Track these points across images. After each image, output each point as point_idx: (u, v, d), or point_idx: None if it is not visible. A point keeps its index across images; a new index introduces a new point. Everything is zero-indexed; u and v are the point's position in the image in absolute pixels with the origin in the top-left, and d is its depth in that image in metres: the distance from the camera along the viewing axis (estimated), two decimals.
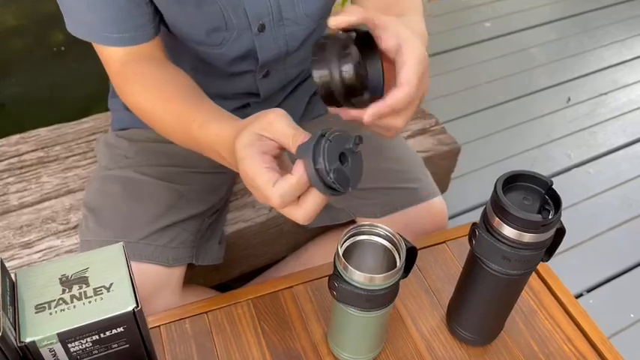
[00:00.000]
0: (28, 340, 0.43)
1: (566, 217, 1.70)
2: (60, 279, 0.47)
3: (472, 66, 2.15)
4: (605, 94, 2.05)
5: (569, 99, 2.02)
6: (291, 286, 0.72)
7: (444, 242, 0.78)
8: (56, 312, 0.45)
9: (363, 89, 0.52)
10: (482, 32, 2.34)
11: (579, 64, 2.20)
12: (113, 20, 0.65)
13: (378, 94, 0.53)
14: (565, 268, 1.43)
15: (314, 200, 0.50)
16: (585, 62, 2.21)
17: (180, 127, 0.63)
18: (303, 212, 0.50)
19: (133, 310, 0.46)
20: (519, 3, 2.53)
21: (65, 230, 0.93)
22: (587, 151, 1.81)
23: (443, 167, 1.21)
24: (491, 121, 1.91)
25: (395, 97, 0.50)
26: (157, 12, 0.69)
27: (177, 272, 0.81)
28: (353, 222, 0.91)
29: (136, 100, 0.69)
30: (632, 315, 1.36)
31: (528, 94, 2.04)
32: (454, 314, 0.66)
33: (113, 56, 0.69)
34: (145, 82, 0.68)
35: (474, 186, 1.64)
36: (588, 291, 1.42)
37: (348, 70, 0.48)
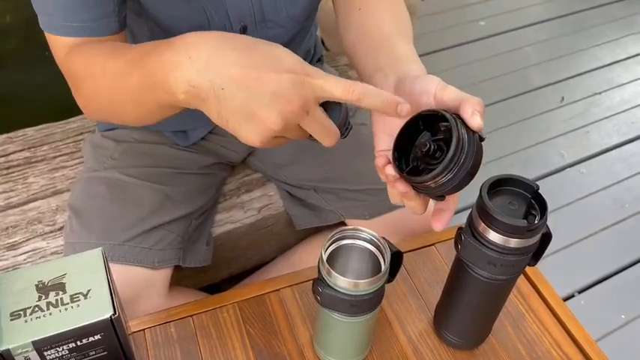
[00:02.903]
0: (2, 348, 0.43)
1: (559, 217, 1.70)
2: (36, 285, 0.46)
3: (466, 65, 2.15)
4: (599, 93, 2.05)
5: (562, 98, 2.02)
6: (278, 289, 0.71)
7: (433, 245, 0.77)
8: (32, 319, 0.44)
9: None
10: (476, 31, 2.34)
11: (573, 63, 2.20)
12: (74, 8, 0.61)
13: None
14: (557, 269, 1.44)
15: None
16: (579, 62, 2.21)
17: (133, 63, 0.55)
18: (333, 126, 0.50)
19: (111, 317, 0.45)
20: (514, 2, 2.53)
21: (51, 232, 0.93)
22: (581, 151, 1.81)
23: None
24: (485, 121, 1.89)
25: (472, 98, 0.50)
26: (123, 7, 0.65)
27: (164, 274, 0.80)
28: (342, 223, 0.90)
29: (86, 68, 0.61)
30: (623, 316, 1.36)
31: (522, 94, 2.04)
32: (441, 318, 0.66)
33: (64, 43, 0.63)
34: (91, 51, 0.61)
35: (466, 187, 1.63)
36: (580, 292, 1.42)
37: None
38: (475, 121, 0.48)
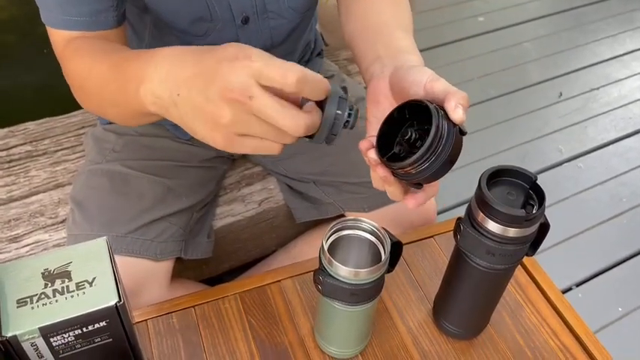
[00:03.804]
0: (9, 334, 0.43)
1: (557, 212, 1.72)
2: (42, 273, 0.47)
3: (465, 60, 2.16)
4: (597, 89, 2.06)
5: (560, 94, 2.03)
6: (279, 280, 0.72)
7: (432, 237, 0.78)
8: (38, 306, 0.45)
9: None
10: (475, 27, 2.34)
11: (571, 59, 2.21)
12: (73, 2, 0.61)
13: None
14: (554, 262, 1.45)
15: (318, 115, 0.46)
16: (577, 57, 2.21)
17: (115, 68, 0.55)
18: (309, 117, 0.45)
19: (116, 304, 0.45)
20: None
21: (53, 224, 0.93)
22: (578, 146, 1.82)
23: None
24: (483, 116, 1.91)
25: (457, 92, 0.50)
26: (122, 2, 0.65)
27: (165, 266, 0.81)
28: (342, 216, 0.91)
29: (76, 66, 0.62)
30: (620, 309, 1.37)
31: (520, 89, 2.04)
32: (440, 308, 0.67)
33: (62, 37, 0.64)
34: (82, 50, 0.62)
35: (465, 181, 1.63)
36: (577, 285, 1.43)
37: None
38: (457, 113, 0.48)
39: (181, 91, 0.45)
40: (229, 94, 0.43)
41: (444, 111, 0.49)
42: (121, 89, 0.53)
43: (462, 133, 0.50)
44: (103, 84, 0.57)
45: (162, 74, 0.47)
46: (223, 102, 0.43)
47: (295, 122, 0.44)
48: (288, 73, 0.43)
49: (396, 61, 0.56)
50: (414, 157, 0.48)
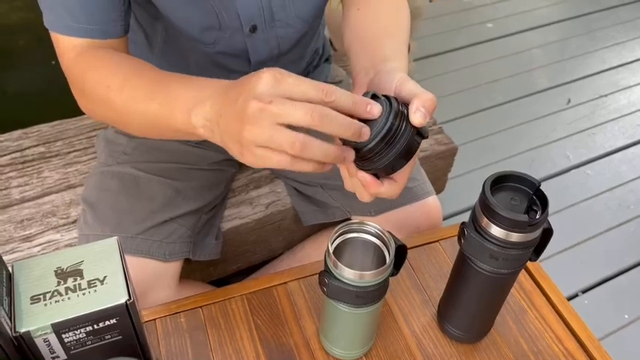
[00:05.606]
0: (23, 330, 0.44)
1: (565, 218, 1.72)
2: (55, 271, 0.48)
3: (473, 67, 2.16)
4: (606, 95, 2.06)
5: (569, 100, 2.03)
6: (285, 282, 0.73)
7: (437, 241, 0.78)
8: (51, 303, 0.46)
9: None
10: (484, 33, 2.35)
11: (580, 65, 2.20)
12: (83, 9, 0.62)
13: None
14: (561, 268, 1.45)
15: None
16: (586, 64, 2.21)
17: (157, 85, 0.58)
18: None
19: (126, 302, 0.46)
20: (521, 4, 2.54)
21: (65, 224, 0.95)
22: (586, 153, 1.82)
23: (440, 167, 1.22)
24: (491, 122, 1.92)
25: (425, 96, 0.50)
26: (129, 12, 0.67)
27: (174, 267, 0.82)
28: (349, 220, 0.92)
29: (102, 76, 0.61)
30: (626, 316, 1.37)
31: (528, 95, 2.04)
32: (444, 312, 0.67)
33: (72, 44, 0.63)
34: (110, 62, 0.63)
35: (472, 186, 1.64)
36: (584, 291, 1.43)
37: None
38: (415, 117, 0.49)
39: (224, 111, 0.49)
40: (252, 103, 0.45)
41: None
42: (164, 107, 0.55)
43: (421, 135, 0.51)
44: (139, 100, 0.58)
45: (214, 100, 0.50)
46: (247, 116, 0.45)
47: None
48: (325, 88, 0.46)
49: (377, 69, 0.58)
50: (369, 146, 0.49)
